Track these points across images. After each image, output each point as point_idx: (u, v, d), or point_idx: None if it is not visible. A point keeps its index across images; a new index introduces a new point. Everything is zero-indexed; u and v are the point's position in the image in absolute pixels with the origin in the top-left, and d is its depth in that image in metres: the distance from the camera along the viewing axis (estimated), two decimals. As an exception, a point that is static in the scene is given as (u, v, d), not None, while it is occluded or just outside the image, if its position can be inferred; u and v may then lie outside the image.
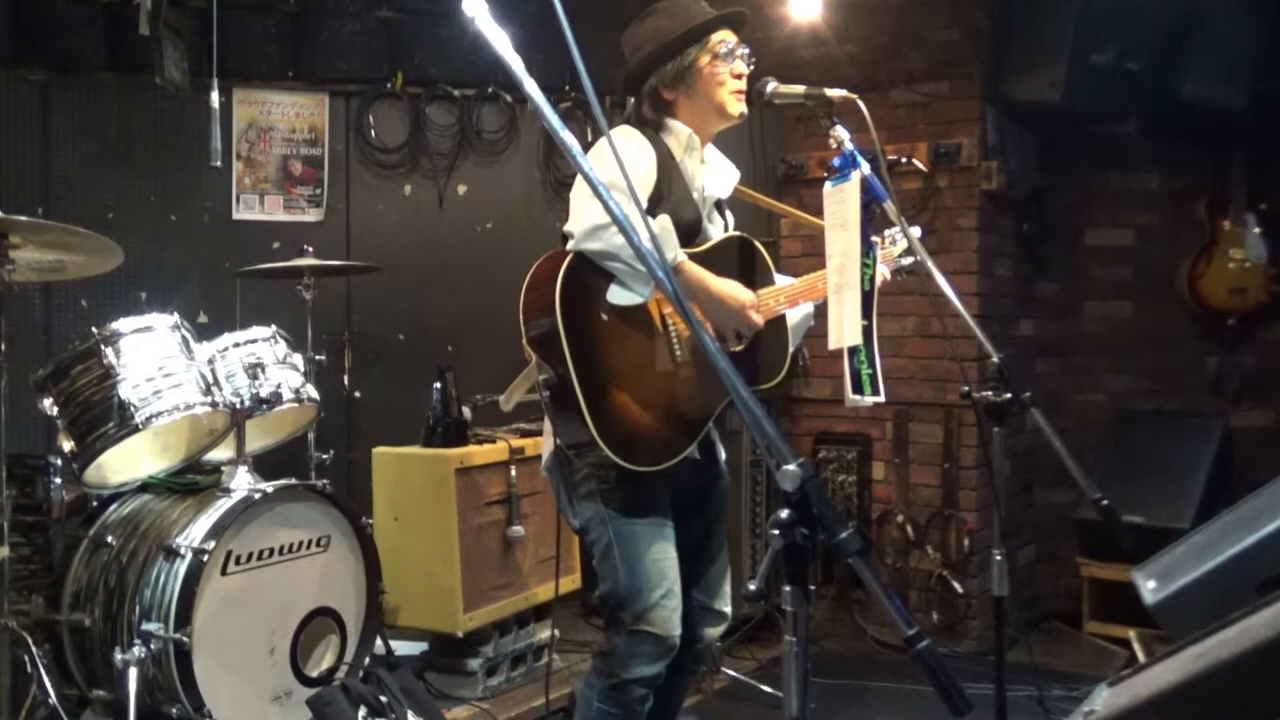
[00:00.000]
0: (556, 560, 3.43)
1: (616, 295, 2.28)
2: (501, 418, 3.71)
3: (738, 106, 2.47)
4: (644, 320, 2.33)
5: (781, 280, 2.57)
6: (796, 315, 2.61)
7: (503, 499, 3.71)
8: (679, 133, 2.45)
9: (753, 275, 2.52)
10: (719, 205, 2.60)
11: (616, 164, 1.52)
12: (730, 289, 2.39)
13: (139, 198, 4.27)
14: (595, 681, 2.38)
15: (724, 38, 2.45)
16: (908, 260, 2.58)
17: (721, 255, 2.48)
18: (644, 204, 2.28)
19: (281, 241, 4.32)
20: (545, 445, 2.47)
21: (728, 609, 2.60)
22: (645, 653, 2.31)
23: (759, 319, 2.41)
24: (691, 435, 2.35)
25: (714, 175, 2.56)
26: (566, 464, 2.40)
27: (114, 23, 4.21)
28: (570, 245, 2.25)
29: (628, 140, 2.39)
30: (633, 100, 2.52)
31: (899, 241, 2.60)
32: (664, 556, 2.34)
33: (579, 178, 2.32)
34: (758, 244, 2.58)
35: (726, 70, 2.43)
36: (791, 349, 2.59)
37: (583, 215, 2.23)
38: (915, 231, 2.50)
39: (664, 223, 2.32)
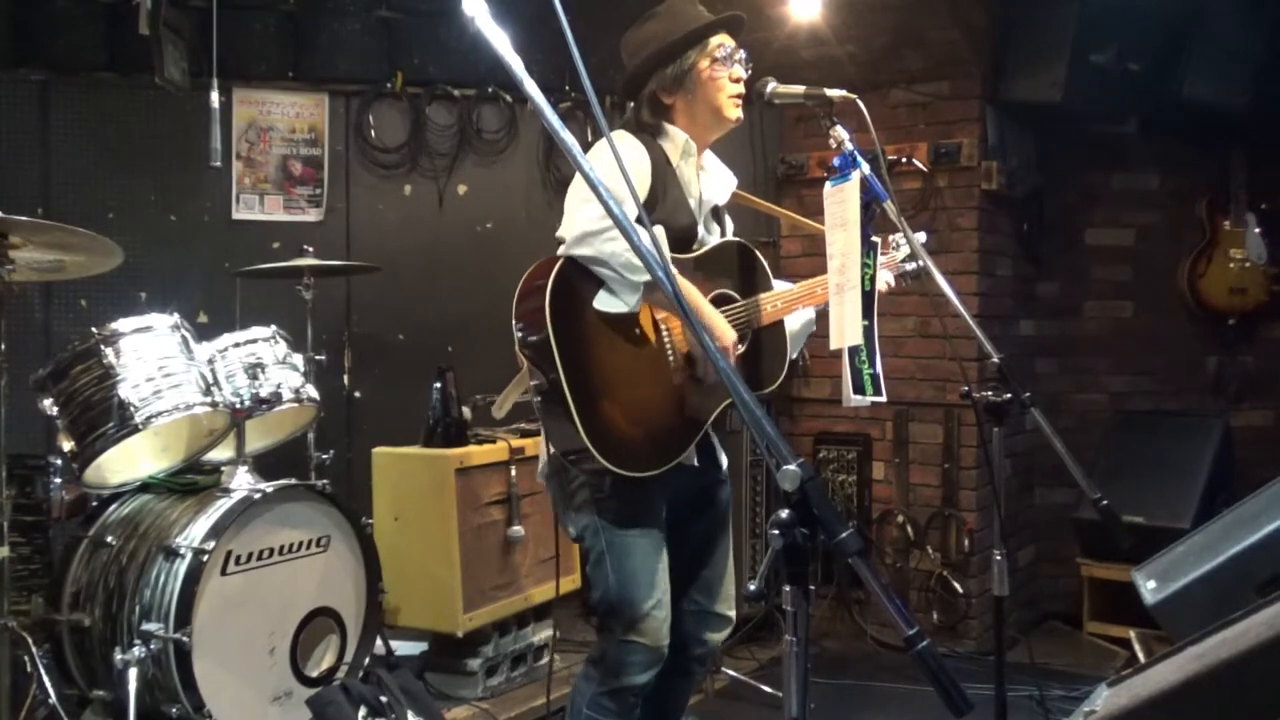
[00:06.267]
0: (556, 560, 3.43)
1: (604, 302, 2.25)
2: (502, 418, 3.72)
3: (735, 111, 2.45)
4: (636, 324, 2.29)
5: (780, 286, 2.54)
6: (797, 322, 2.58)
7: (502, 499, 3.71)
8: (675, 138, 2.43)
9: (751, 280, 2.50)
10: (716, 212, 2.57)
11: (615, 168, 1.50)
12: (718, 322, 2.31)
13: (139, 198, 4.27)
14: (585, 688, 2.38)
15: (722, 41, 2.43)
16: (912, 265, 2.55)
17: (718, 260, 2.46)
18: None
19: (281, 241, 4.32)
20: (542, 452, 2.45)
21: (731, 613, 2.59)
22: (636, 661, 2.32)
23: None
24: (686, 440, 2.33)
25: (711, 181, 2.54)
26: (563, 472, 2.38)
27: (114, 23, 4.21)
28: (561, 250, 2.23)
29: (621, 145, 2.37)
30: (631, 105, 2.49)
31: (903, 246, 2.56)
32: (656, 567, 2.33)
33: (573, 182, 2.31)
34: (755, 249, 2.55)
35: (725, 74, 2.42)
36: (793, 355, 2.57)
37: (574, 221, 2.20)
38: (920, 237, 2.48)
39: (657, 234, 2.27)
